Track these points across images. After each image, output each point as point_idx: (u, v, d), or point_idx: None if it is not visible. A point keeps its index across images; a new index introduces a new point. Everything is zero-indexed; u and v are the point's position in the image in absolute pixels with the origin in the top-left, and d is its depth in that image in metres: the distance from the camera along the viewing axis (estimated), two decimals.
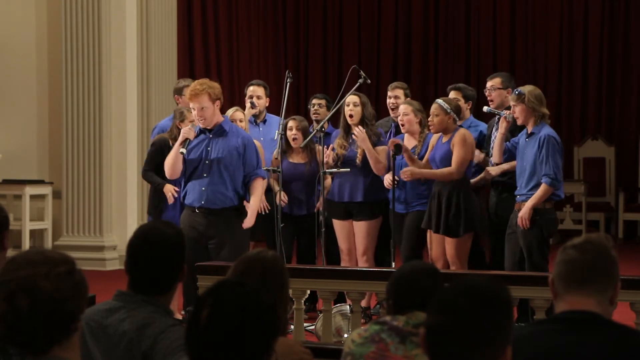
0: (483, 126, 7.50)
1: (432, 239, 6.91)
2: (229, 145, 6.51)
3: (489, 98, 7.34)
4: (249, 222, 6.56)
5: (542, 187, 6.49)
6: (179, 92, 7.63)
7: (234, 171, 6.51)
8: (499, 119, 7.25)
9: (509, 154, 6.88)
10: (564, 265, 2.67)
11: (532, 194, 6.53)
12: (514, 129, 7.02)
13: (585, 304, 2.63)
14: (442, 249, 6.85)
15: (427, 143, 7.12)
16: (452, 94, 7.50)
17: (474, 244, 7.00)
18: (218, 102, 6.49)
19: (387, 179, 7.16)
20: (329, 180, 7.49)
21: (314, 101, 8.09)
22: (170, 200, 7.01)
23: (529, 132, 6.61)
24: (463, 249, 6.79)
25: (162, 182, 7.04)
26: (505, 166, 7.00)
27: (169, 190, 6.99)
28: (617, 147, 12.88)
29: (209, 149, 6.48)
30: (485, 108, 7.15)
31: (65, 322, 2.28)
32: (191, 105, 6.52)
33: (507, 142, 6.88)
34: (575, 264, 2.65)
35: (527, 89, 6.66)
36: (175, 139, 7.00)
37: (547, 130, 6.56)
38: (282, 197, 7.31)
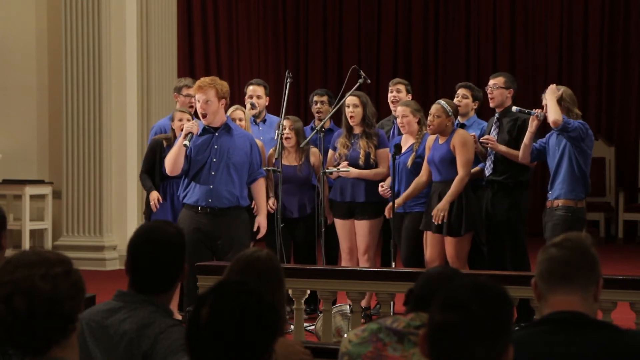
0: (484, 124, 7.50)
1: (428, 240, 6.90)
2: (237, 145, 6.50)
3: (490, 96, 7.31)
4: (263, 230, 6.75)
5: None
6: (178, 90, 7.66)
7: (242, 170, 6.52)
8: (497, 119, 7.26)
9: (537, 154, 6.87)
10: (545, 264, 2.69)
11: (568, 197, 6.57)
12: (511, 129, 7.05)
13: (570, 302, 2.64)
14: (438, 250, 6.84)
15: (425, 142, 7.11)
16: (461, 91, 7.50)
17: (476, 244, 7.00)
18: (224, 101, 6.48)
19: (383, 188, 7.16)
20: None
21: (316, 98, 8.06)
22: (153, 209, 7.08)
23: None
24: (463, 248, 6.79)
25: (150, 188, 7.16)
26: (503, 149, 6.98)
27: (153, 197, 7.09)
28: (617, 147, 12.88)
29: (216, 147, 6.47)
30: (514, 108, 7.08)
31: (64, 322, 2.28)
32: (196, 97, 6.52)
33: (534, 143, 6.86)
34: (556, 260, 2.67)
35: (561, 88, 6.68)
36: (171, 141, 7.03)
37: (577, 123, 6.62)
38: (271, 204, 7.24)
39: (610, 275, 5.22)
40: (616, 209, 12.53)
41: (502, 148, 7.01)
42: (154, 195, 7.10)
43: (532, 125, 6.79)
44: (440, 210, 6.69)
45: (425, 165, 6.99)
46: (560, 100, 6.56)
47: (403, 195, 6.97)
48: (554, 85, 6.71)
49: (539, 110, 6.76)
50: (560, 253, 2.68)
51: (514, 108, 7.09)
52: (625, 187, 12.68)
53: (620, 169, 12.88)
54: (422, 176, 7.01)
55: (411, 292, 3.15)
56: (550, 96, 6.53)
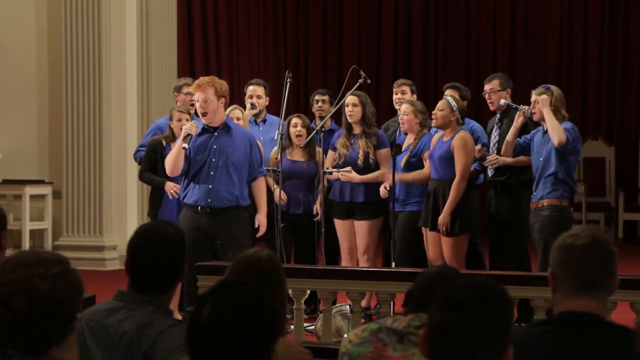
0: (474, 124, 7.49)
1: (429, 239, 6.89)
2: (236, 144, 6.50)
3: (488, 101, 7.32)
4: (263, 229, 6.74)
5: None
6: (177, 89, 7.65)
7: (241, 170, 6.51)
8: (499, 119, 7.27)
9: (520, 150, 6.87)
10: (573, 268, 2.64)
11: (553, 196, 6.52)
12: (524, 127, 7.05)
13: (589, 306, 2.63)
14: (439, 250, 6.83)
15: (423, 142, 7.10)
16: (449, 92, 7.49)
17: (472, 244, 7.00)
18: (223, 100, 6.48)
19: (382, 190, 7.17)
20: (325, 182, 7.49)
21: (317, 97, 8.05)
22: (171, 197, 7.00)
23: (545, 128, 6.60)
24: (460, 248, 6.77)
25: (162, 180, 7.04)
26: (509, 161, 6.98)
27: (170, 187, 6.97)
28: (617, 147, 12.89)
29: (215, 147, 6.47)
30: (502, 101, 7.11)
31: (63, 322, 2.27)
32: (195, 96, 6.51)
33: (519, 139, 6.87)
34: (585, 269, 2.63)
35: (553, 88, 6.67)
36: (170, 139, 7.02)
37: (565, 125, 6.56)
38: (282, 197, 7.30)
39: None
40: (616, 209, 12.52)
41: (509, 160, 6.99)
42: (171, 185, 6.95)
43: (517, 121, 6.81)
44: (442, 225, 6.68)
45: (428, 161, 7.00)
46: (550, 102, 6.55)
47: (407, 176, 6.98)
48: (545, 96, 6.63)
49: (526, 107, 6.77)
50: (589, 261, 2.63)
51: (502, 101, 7.11)
52: (625, 187, 12.67)
53: (620, 169, 12.88)
54: (426, 169, 7.00)
55: (410, 293, 3.14)
56: (548, 113, 6.49)
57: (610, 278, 2.67)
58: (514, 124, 6.83)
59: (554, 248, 2.70)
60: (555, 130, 6.42)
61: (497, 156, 7.03)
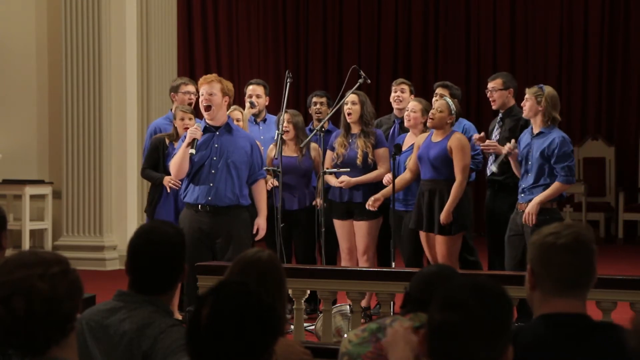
0: (466, 123, 7.47)
1: (428, 240, 6.88)
2: (238, 145, 6.51)
3: (490, 99, 7.30)
4: (262, 232, 6.72)
5: (556, 185, 6.45)
6: (175, 89, 7.63)
7: (242, 170, 6.51)
8: (500, 119, 7.25)
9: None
10: (556, 268, 2.62)
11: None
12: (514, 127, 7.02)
13: (574, 306, 2.63)
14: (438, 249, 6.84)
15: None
16: (439, 91, 7.50)
17: (464, 240, 7.00)
18: (227, 99, 6.50)
19: (387, 177, 7.18)
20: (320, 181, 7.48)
21: (315, 99, 8.08)
22: (169, 190, 6.99)
23: (535, 131, 6.57)
24: (454, 247, 6.77)
25: (160, 176, 7.05)
26: (504, 152, 6.94)
27: (168, 181, 6.97)
28: (617, 147, 12.89)
29: (216, 146, 6.48)
30: (489, 170, 7.08)
31: (63, 322, 2.28)
32: (201, 90, 6.52)
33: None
34: (570, 268, 2.62)
35: (547, 89, 6.63)
36: (173, 137, 7.03)
37: (559, 133, 6.54)
38: (272, 182, 7.29)
39: (610, 275, 5.22)
40: (616, 209, 12.53)
41: (504, 152, 6.95)
42: (168, 178, 6.94)
43: (512, 161, 6.72)
44: (446, 224, 6.68)
45: (412, 162, 6.97)
46: (539, 102, 6.52)
47: (383, 191, 6.99)
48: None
49: (509, 146, 6.65)
50: (575, 260, 2.62)
51: (489, 169, 7.04)
52: (625, 187, 12.67)
53: (620, 169, 12.88)
54: (407, 173, 7.01)
55: (408, 295, 3.13)
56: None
57: (592, 276, 2.66)
58: (512, 163, 6.75)
59: (533, 245, 2.67)
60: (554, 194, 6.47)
61: (496, 143, 6.95)
